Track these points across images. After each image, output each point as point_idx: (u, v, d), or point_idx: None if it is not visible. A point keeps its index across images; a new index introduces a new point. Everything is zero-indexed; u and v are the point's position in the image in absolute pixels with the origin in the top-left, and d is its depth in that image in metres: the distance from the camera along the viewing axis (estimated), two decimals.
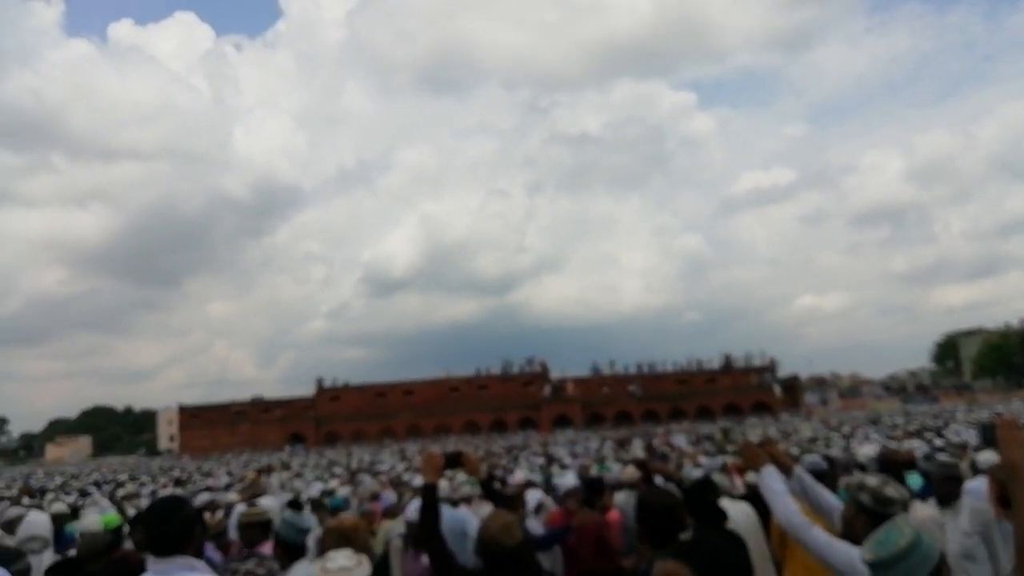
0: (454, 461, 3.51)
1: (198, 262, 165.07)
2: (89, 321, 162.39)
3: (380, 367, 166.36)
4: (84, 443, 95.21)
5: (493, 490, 3.73)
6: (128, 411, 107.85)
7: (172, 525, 2.56)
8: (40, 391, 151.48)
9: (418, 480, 10.89)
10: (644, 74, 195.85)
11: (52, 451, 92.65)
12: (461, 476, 6.89)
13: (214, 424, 75.47)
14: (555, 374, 75.67)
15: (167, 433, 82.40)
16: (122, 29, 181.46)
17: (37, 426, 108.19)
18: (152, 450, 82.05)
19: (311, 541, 4.08)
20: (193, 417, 77.71)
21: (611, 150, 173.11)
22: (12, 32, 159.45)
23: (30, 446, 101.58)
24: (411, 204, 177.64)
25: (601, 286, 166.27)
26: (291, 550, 3.71)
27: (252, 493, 9.56)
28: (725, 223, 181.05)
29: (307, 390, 78.77)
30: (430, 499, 3.11)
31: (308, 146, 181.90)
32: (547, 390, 72.83)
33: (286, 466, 28.56)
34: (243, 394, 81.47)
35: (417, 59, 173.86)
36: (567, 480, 5.63)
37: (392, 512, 6.69)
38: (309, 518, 4.18)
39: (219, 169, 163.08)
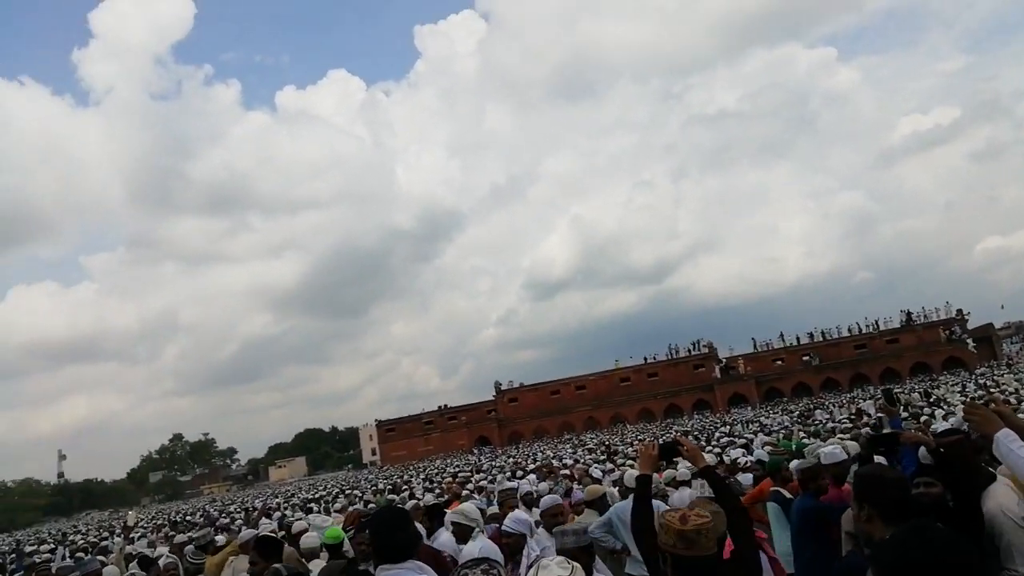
0: (671, 451, 3.34)
1: (379, 291, 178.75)
2: (294, 355, 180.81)
3: (552, 365, 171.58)
4: (300, 463, 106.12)
5: (717, 477, 3.23)
6: (334, 430, 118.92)
7: (402, 533, 2.74)
8: (260, 421, 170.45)
9: (596, 471, 12.21)
10: (776, 39, 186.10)
11: (274, 473, 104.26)
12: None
13: (408, 434, 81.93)
14: (724, 353, 74.56)
15: (369, 447, 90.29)
16: (287, 96, 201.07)
17: (260, 452, 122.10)
18: (358, 464, 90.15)
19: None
20: (389, 430, 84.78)
21: (752, 122, 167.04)
22: (202, 116, 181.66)
23: (256, 470, 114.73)
24: (561, 209, 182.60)
25: (761, 259, 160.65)
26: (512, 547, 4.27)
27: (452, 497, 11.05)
28: (886, 174, 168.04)
29: (487, 395, 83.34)
30: (643, 491, 3.06)
31: (461, 171, 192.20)
32: (717, 370, 71.94)
33: (478, 469, 30.98)
34: (431, 405, 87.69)
35: (548, 72, 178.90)
36: (832, 452, 5.17)
37: (579, 507, 6.99)
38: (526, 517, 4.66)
39: (387, 205, 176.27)
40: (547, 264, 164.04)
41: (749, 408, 57.93)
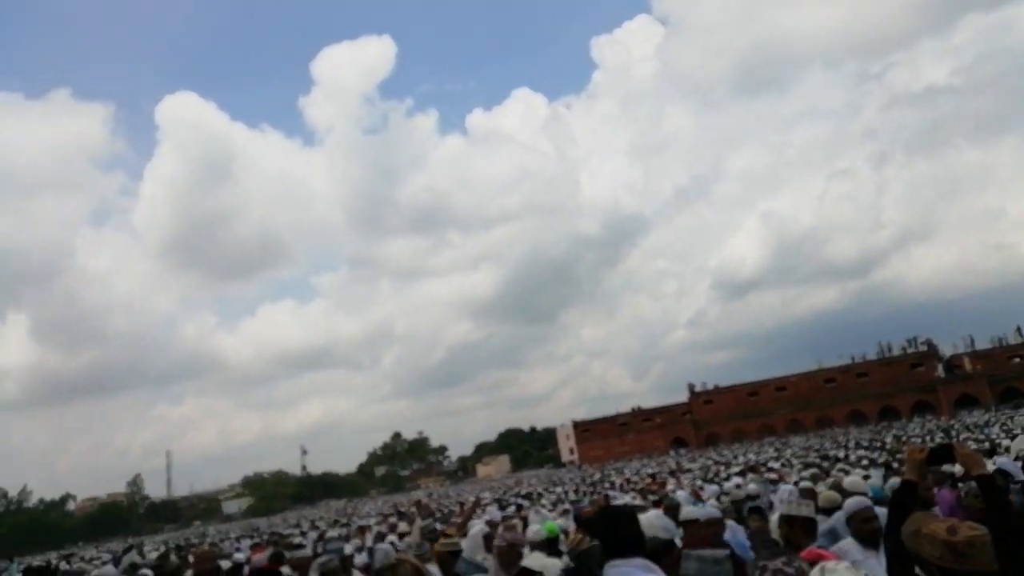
0: (942, 455, 2.96)
1: (569, 297, 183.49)
2: (494, 360, 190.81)
3: (746, 366, 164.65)
4: (504, 461, 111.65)
5: (995, 488, 2.72)
6: (533, 430, 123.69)
7: (631, 530, 2.74)
8: (467, 421, 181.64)
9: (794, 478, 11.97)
10: (994, 2, 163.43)
11: (481, 470, 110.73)
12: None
13: (605, 435, 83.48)
14: (945, 350, 67.56)
15: (566, 447, 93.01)
16: (476, 119, 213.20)
17: (468, 450, 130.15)
18: (557, 463, 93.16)
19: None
20: (586, 431, 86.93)
21: (967, 96, 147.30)
22: (406, 145, 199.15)
23: (465, 467, 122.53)
24: (749, 206, 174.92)
25: (986, 245, 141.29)
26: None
27: (659, 496, 11.37)
28: None
29: (680, 396, 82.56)
30: (905, 498, 2.81)
31: (643, 176, 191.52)
32: (939, 369, 65.40)
33: (680, 468, 30.98)
34: (623, 406, 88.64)
35: (729, 68, 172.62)
36: None
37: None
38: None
39: (573, 215, 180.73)
40: (736, 263, 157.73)
41: (982, 411, 52.22)
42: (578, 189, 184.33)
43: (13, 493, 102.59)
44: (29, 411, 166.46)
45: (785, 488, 7.31)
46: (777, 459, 24.92)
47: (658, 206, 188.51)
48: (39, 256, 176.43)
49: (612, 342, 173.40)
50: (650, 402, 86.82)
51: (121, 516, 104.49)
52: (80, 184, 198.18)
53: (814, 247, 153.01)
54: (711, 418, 76.67)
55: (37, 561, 25.10)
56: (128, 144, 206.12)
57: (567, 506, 12.99)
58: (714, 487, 11.15)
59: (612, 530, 2.75)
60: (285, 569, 5.75)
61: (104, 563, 11.13)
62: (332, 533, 13.12)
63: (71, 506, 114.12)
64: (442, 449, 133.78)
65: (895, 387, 67.31)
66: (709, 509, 6.33)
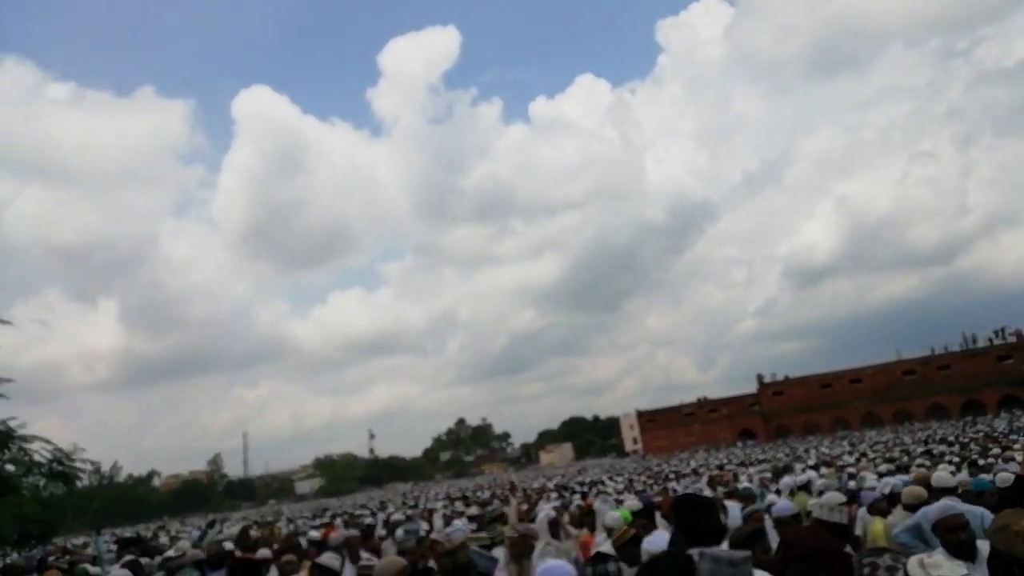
0: None
1: (633, 285, 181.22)
2: (557, 347, 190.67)
3: (818, 357, 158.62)
4: (567, 449, 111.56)
5: None
6: (596, 419, 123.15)
7: (712, 518, 2.78)
8: (530, 408, 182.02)
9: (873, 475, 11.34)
10: None
11: (544, 457, 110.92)
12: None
13: (669, 425, 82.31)
14: None
15: (630, 436, 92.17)
16: (539, 106, 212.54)
17: (530, 437, 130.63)
18: (620, 452, 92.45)
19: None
20: (650, 421, 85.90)
21: None
22: (470, 134, 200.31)
23: (528, 454, 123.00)
24: (823, 191, 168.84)
25: None
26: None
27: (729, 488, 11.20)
28: None
29: (748, 387, 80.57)
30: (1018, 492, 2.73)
31: (711, 161, 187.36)
32: None
33: (750, 460, 30.11)
34: (688, 397, 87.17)
35: (802, 48, 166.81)
36: None
37: (878, 507, 6.34)
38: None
39: (638, 201, 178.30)
40: (808, 250, 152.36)
41: None
42: (643, 175, 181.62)
43: (105, 469, 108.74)
44: (119, 392, 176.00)
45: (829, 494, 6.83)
46: (851, 453, 24.02)
47: (726, 192, 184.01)
48: (126, 246, 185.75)
49: (678, 331, 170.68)
50: (716, 393, 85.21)
51: (202, 493, 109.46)
52: (163, 177, 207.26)
53: (893, 233, 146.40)
54: (781, 410, 74.55)
55: (128, 533, 26.53)
56: (207, 138, 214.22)
57: (632, 496, 12.66)
58: (788, 479, 10.80)
59: (694, 518, 2.70)
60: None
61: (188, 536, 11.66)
62: (398, 516, 13.22)
63: (156, 482, 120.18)
64: (505, 436, 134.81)
65: (980, 380, 63.91)
66: (785, 504, 6.14)
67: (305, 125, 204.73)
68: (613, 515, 5.66)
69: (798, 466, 18.06)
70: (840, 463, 16.84)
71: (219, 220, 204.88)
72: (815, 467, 16.00)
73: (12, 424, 13.81)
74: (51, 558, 12.53)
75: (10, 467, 13.74)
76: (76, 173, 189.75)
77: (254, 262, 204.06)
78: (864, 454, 21.17)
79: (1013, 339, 65.07)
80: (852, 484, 9.83)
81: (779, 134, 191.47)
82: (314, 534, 9.58)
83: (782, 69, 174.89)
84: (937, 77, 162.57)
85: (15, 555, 13.17)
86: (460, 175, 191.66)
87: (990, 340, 66.93)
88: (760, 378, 78.46)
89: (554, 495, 18.46)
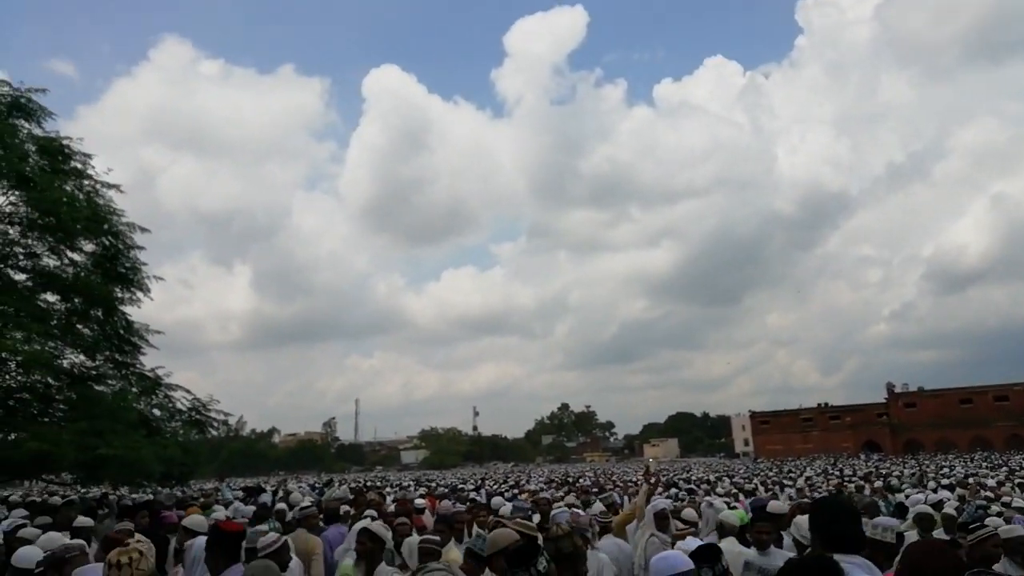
0: None
1: (755, 279, 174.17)
2: (669, 339, 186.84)
3: (958, 369, 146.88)
4: (672, 444, 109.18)
5: None
6: (705, 416, 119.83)
7: (852, 525, 2.69)
8: (636, 399, 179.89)
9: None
10: None
11: (648, 450, 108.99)
12: None
13: (785, 429, 78.50)
14: None
15: (740, 437, 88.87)
16: (665, 89, 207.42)
17: (635, 429, 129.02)
18: (730, 452, 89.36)
19: None
20: (764, 423, 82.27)
21: None
22: (592, 116, 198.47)
23: (631, 446, 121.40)
24: (977, 187, 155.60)
25: None
26: None
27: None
28: None
29: (875, 396, 75.60)
30: None
31: (851, 151, 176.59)
32: None
33: (877, 474, 28.14)
34: (807, 401, 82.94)
35: (963, 31, 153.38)
36: None
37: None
38: None
39: (767, 191, 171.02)
40: (956, 252, 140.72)
41: None
42: (774, 164, 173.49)
43: (232, 422, 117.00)
44: (248, 352, 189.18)
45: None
46: (993, 476, 21.53)
47: (866, 185, 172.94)
48: (263, 215, 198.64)
49: (801, 331, 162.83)
50: (839, 400, 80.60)
51: (315, 453, 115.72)
52: (298, 152, 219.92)
53: None
54: (912, 423, 69.30)
55: (249, 483, 28.21)
56: (339, 115, 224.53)
57: (739, 500, 11.80)
58: (919, 495, 10.09)
59: (831, 523, 2.64)
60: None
61: (304, 494, 12.07)
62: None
63: (276, 439, 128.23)
64: (609, 425, 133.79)
65: None
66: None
67: (430, 104, 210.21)
68: (731, 513, 5.67)
69: (931, 484, 16.48)
70: (976, 485, 15.16)
71: (345, 194, 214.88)
72: (950, 487, 14.43)
73: (160, 372, 14.82)
74: (189, 498, 13.19)
75: (156, 411, 14.68)
76: (222, 145, 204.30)
77: (375, 236, 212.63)
78: (1009, 477, 18.91)
79: None
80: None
81: (931, 124, 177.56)
82: (420, 502, 9.60)
83: (938, 53, 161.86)
84: None
85: (158, 491, 14.04)
86: (579, 158, 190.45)
87: None
88: (890, 387, 73.23)
89: (660, 490, 17.73)
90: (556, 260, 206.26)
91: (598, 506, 7.35)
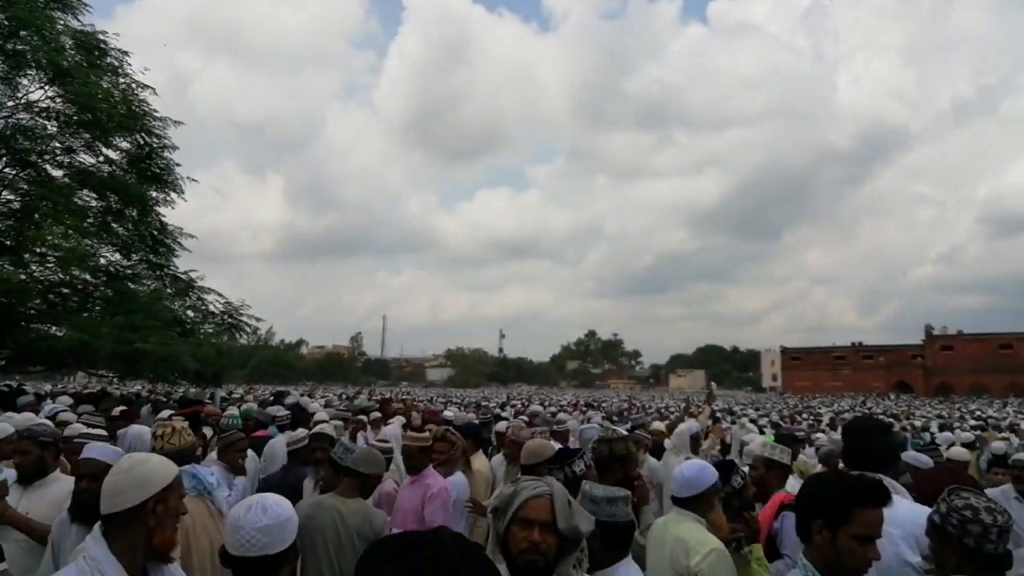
0: None
1: (798, 214, 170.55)
2: (704, 272, 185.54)
3: (1002, 316, 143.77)
4: (698, 376, 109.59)
5: None
6: (735, 350, 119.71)
7: (882, 442, 2.78)
8: (665, 330, 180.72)
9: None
10: None
11: (674, 381, 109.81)
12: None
13: (815, 366, 78.13)
14: None
15: (769, 372, 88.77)
16: (721, 6, 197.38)
17: (662, 359, 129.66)
18: (757, 387, 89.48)
19: None
20: (794, 359, 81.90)
21: None
22: (643, 33, 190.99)
23: (657, 375, 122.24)
24: None
25: None
26: None
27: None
28: None
29: (911, 338, 74.38)
30: None
31: (916, 82, 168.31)
32: None
33: (907, 414, 27.88)
34: (842, 340, 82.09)
35: None
36: None
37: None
38: None
39: (823, 122, 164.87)
40: (1015, 195, 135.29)
41: None
42: (834, 94, 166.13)
43: (262, 332, 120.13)
44: (279, 263, 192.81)
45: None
46: None
47: (929, 120, 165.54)
48: (297, 125, 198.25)
49: (842, 270, 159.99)
50: (875, 340, 79.89)
51: (342, 366, 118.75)
52: (336, 61, 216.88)
53: None
54: (947, 366, 68.36)
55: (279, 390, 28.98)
56: (379, 23, 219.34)
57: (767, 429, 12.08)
58: (948, 434, 10.37)
59: (860, 441, 2.72)
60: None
61: (327, 404, 12.31)
62: (535, 407, 13.24)
63: (304, 350, 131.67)
64: (636, 354, 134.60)
65: None
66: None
67: (473, 14, 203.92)
68: (758, 439, 5.64)
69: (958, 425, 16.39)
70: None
71: (381, 107, 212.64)
72: (980, 428, 14.87)
73: (193, 276, 14.91)
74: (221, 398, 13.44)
75: (190, 313, 14.83)
76: (258, 52, 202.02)
77: (409, 151, 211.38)
78: None
79: None
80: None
81: (1006, 56, 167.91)
82: (448, 414, 9.64)
83: None
84: None
85: (192, 389, 14.32)
86: (626, 77, 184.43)
87: None
88: (929, 329, 71.99)
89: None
90: (594, 185, 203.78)
91: (657, 425, 7.64)
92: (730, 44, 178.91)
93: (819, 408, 32.99)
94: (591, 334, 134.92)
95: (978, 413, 29.10)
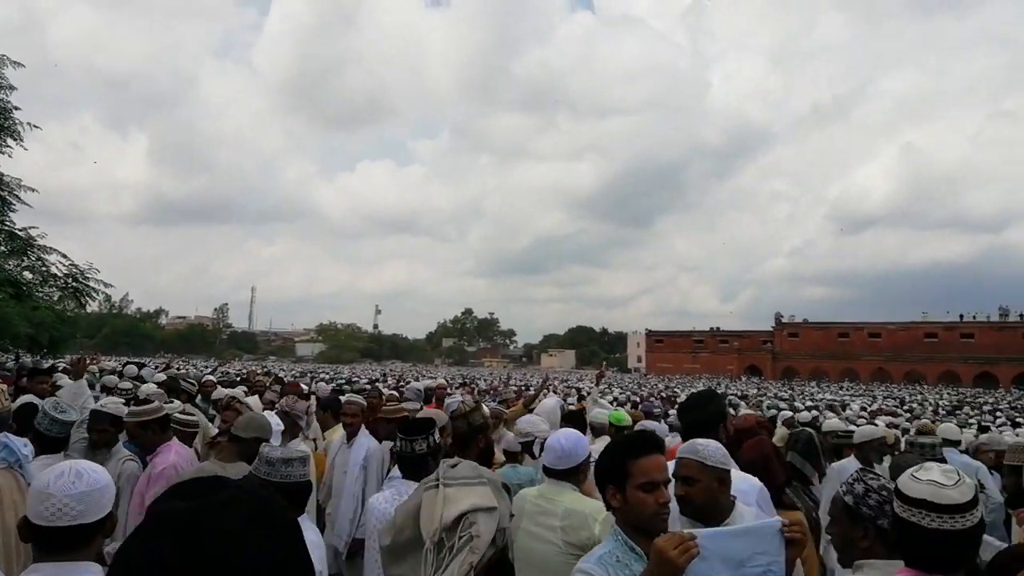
0: None
1: (668, 203, 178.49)
2: (578, 256, 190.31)
3: (843, 307, 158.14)
4: (569, 356, 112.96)
5: None
6: (604, 332, 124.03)
7: (708, 409, 2.92)
8: (539, 311, 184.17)
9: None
10: None
11: (545, 360, 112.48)
12: None
13: (677, 349, 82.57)
14: None
15: (635, 354, 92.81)
16: None
17: (535, 339, 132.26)
18: (623, 367, 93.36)
19: None
20: (658, 342, 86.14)
21: None
22: (534, 15, 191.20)
23: (530, 354, 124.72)
24: (891, 135, 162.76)
25: None
26: None
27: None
28: None
29: (764, 325, 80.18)
30: None
31: (782, 86, 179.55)
32: None
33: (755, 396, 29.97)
34: (702, 324, 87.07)
35: None
36: None
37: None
38: None
39: (696, 117, 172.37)
40: (860, 196, 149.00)
41: None
42: (708, 91, 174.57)
43: (115, 299, 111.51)
44: (139, 226, 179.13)
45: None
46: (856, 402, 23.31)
47: (790, 122, 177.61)
48: (168, 80, 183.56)
49: (706, 258, 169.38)
50: (733, 326, 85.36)
51: (205, 338, 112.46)
52: (213, 14, 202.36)
53: (953, 191, 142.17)
54: (792, 352, 74.32)
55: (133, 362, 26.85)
56: None
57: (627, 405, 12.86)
58: (787, 413, 11.11)
59: (691, 412, 2.92)
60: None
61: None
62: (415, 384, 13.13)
63: (163, 320, 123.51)
64: (510, 333, 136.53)
65: (1000, 354, 62.99)
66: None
67: None
68: (599, 412, 5.95)
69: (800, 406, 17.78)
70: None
71: (260, 67, 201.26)
72: (815, 408, 15.92)
73: (33, 233, 13.41)
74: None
75: (27, 274, 13.37)
76: None
77: (288, 116, 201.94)
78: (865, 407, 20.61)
79: None
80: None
81: (859, 68, 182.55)
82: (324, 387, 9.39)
83: None
84: None
85: (27, 357, 12.93)
86: (513, 58, 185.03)
87: (1021, 315, 65.46)
88: (778, 317, 77.84)
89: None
90: (477, 163, 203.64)
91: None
92: (615, 34, 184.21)
93: (676, 388, 35.05)
94: (468, 312, 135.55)
95: (815, 395, 32.07)
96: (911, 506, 1.69)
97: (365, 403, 5.44)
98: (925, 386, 56.12)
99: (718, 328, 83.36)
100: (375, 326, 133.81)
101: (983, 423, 13.60)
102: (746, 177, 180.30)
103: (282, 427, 4.77)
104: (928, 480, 1.70)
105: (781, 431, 7.31)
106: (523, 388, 23.24)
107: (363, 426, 4.87)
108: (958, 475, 1.71)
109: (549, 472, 2.91)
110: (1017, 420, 16.23)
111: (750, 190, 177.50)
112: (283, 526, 0.80)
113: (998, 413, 19.82)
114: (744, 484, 2.59)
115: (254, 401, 6.63)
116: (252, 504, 0.79)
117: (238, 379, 12.01)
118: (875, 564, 1.94)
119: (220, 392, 7.06)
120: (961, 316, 68.80)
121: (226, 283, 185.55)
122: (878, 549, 1.95)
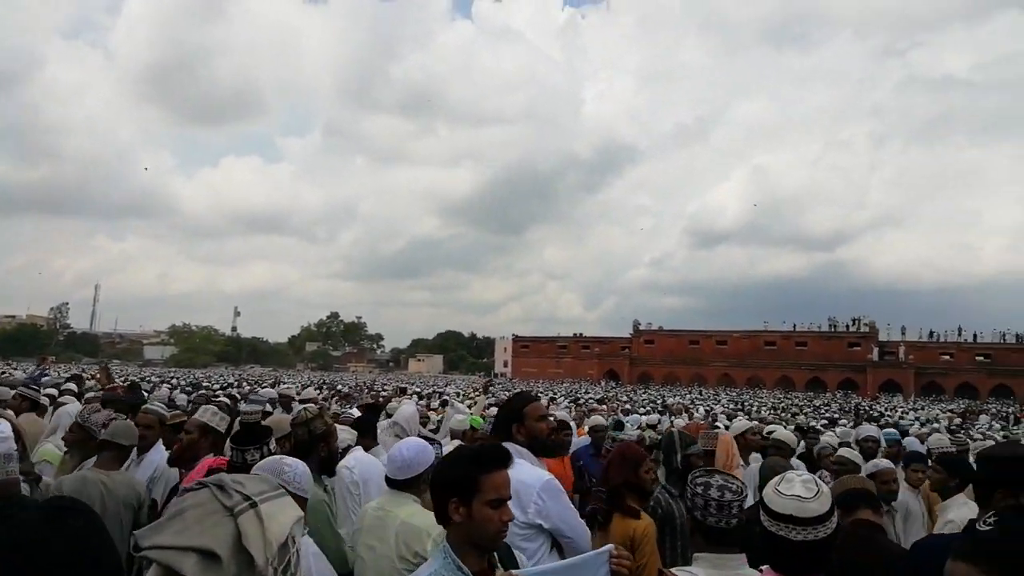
0: None
1: (541, 213, 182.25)
2: (453, 261, 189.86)
3: (696, 316, 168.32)
4: (437, 361, 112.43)
5: None
6: (473, 337, 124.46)
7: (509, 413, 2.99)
8: (409, 315, 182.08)
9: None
10: None
11: (413, 364, 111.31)
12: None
13: (542, 354, 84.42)
14: (885, 337, 69.71)
15: (502, 359, 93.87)
16: (486, 6, 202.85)
17: (403, 343, 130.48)
18: (489, 372, 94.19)
19: None
20: (524, 347, 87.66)
21: (982, 93, 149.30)
22: (415, 21, 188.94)
23: (398, 359, 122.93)
24: (743, 157, 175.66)
25: (954, 245, 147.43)
26: None
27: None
28: None
29: (625, 332, 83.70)
30: None
31: (648, 105, 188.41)
32: (875, 352, 67.55)
33: (613, 398, 31.11)
34: (568, 331, 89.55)
35: (761, 13, 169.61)
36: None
37: None
38: None
39: (569, 131, 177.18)
40: (715, 213, 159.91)
41: (901, 397, 54.19)
42: (580, 105, 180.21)
43: None
44: None
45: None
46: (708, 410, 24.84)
47: (655, 139, 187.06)
48: (9, 59, 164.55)
49: (573, 267, 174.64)
50: (595, 332, 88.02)
51: (38, 339, 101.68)
52: None
53: (794, 212, 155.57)
54: (648, 358, 78.06)
55: None
56: None
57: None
58: (636, 416, 11.60)
59: (508, 414, 2.93)
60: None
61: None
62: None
63: None
64: (378, 337, 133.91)
65: (829, 361, 69.41)
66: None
67: None
68: (460, 418, 6.02)
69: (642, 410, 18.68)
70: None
71: (116, 51, 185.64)
72: (662, 412, 16.66)
73: None
74: None
75: None
76: None
77: (146, 105, 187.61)
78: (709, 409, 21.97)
79: (866, 329, 70.82)
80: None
81: (717, 93, 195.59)
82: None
83: (736, 29, 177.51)
84: (872, 72, 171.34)
85: None
86: (393, 61, 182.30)
87: (847, 326, 72.55)
88: (636, 325, 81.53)
89: (415, 397, 18.21)
90: (351, 165, 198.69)
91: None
92: (494, 45, 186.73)
93: (540, 392, 35.76)
94: (334, 315, 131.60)
95: (662, 399, 33.88)
96: (777, 520, 1.80)
97: (166, 414, 4.60)
98: (764, 390, 60.85)
99: (581, 334, 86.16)
100: (234, 328, 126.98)
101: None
102: (614, 191, 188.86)
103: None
104: (792, 495, 1.80)
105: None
106: (378, 394, 22.83)
107: (160, 441, 4.26)
108: (816, 485, 1.83)
109: (391, 483, 2.83)
110: (838, 420, 17.95)
111: (617, 203, 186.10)
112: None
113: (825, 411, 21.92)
114: (529, 477, 2.58)
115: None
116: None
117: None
118: (706, 557, 2.02)
119: None
120: (795, 326, 75.23)
121: (68, 280, 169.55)
122: (701, 543, 2.06)
